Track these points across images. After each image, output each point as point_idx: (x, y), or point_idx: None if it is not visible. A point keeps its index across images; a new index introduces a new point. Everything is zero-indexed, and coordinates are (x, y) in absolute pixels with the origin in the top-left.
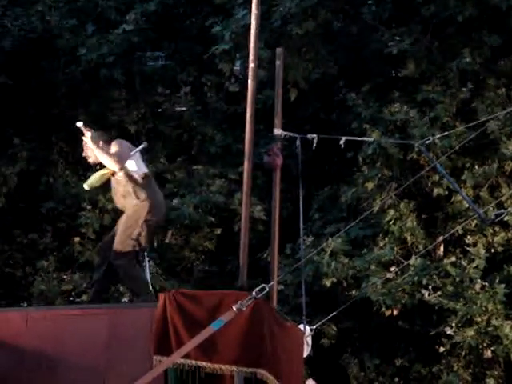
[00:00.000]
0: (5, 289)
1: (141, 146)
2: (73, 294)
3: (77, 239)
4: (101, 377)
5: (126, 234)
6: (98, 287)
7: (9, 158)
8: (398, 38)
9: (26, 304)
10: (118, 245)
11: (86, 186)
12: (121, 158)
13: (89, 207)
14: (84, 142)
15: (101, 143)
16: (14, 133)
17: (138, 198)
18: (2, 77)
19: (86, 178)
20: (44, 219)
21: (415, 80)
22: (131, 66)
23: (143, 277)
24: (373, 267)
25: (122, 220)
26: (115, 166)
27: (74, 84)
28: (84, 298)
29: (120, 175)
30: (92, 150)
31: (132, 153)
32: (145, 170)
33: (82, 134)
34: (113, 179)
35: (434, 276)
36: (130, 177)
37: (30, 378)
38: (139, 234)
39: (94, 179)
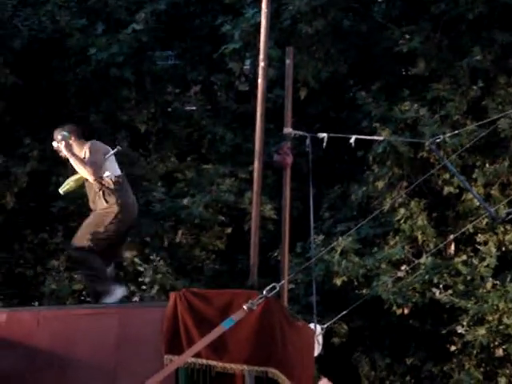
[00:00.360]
0: (16, 288)
1: (114, 150)
2: (83, 293)
3: None
4: (112, 376)
5: (87, 230)
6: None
7: (19, 157)
8: (407, 36)
9: (37, 303)
10: (76, 238)
11: (61, 191)
12: (95, 167)
13: None
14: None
15: (73, 138)
16: (25, 133)
17: (106, 202)
18: (12, 77)
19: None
20: (54, 219)
21: (425, 78)
22: (141, 66)
23: (103, 271)
24: (383, 266)
25: (88, 218)
26: (89, 177)
27: (84, 84)
28: None
29: (90, 180)
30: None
31: (106, 157)
32: (117, 172)
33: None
34: (87, 183)
35: (445, 275)
36: (100, 183)
37: (42, 377)
38: (102, 236)
39: (68, 185)
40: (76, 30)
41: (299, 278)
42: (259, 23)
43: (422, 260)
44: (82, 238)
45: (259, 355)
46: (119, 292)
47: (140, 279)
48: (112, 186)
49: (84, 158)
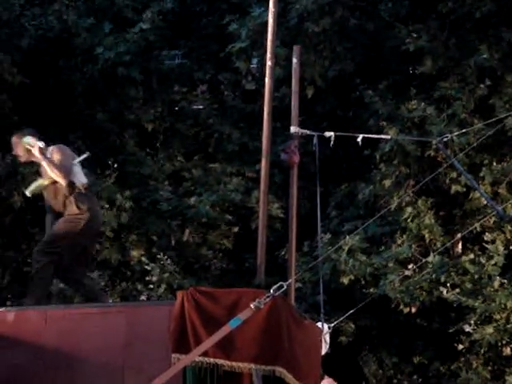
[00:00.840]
0: (24, 287)
1: (83, 156)
2: None
3: None
4: (119, 375)
5: (58, 236)
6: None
7: None
8: (415, 35)
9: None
10: (45, 243)
11: (27, 193)
12: (67, 171)
13: (106, 206)
14: (16, 144)
15: (41, 144)
16: (33, 132)
17: (79, 209)
18: (19, 76)
19: (104, 177)
20: None
21: (432, 77)
22: (148, 65)
23: (50, 283)
24: (391, 265)
25: (59, 223)
26: (62, 180)
27: (91, 83)
28: None
29: (62, 184)
30: (23, 149)
31: (74, 162)
32: (85, 180)
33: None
34: (52, 186)
35: (453, 273)
36: (72, 188)
37: (49, 376)
38: (72, 242)
39: (35, 187)
40: (83, 29)
41: (306, 277)
42: (266, 22)
43: (430, 259)
44: (50, 242)
45: (266, 354)
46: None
47: (147, 278)
48: (84, 192)
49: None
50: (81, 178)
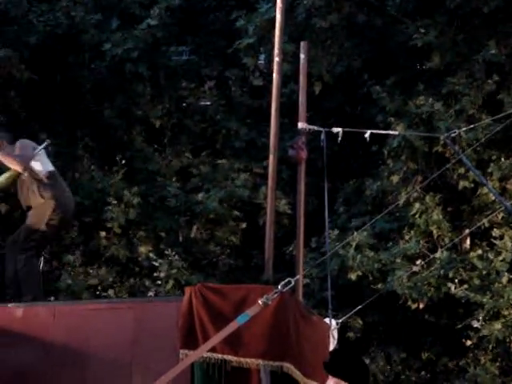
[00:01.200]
0: None
1: (44, 144)
2: (99, 288)
3: (102, 234)
4: (127, 370)
5: (30, 230)
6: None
7: None
8: (422, 31)
9: (53, 298)
10: (21, 241)
11: None
12: (23, 159)
13: (114, 202)
14: None
15: (5, 144)
16: (40, 128)
17: (42, 197)
18: (28, 72)
19: (112, 173)
20: None
21: (440, 72)
22: (156, 61)
23: (38, 275)
24: (398, 260)
25: (28, 218)
26: (18, 167)
27: (99, 79)
28: (110, 292)
29: (25, 175)
30: None
31: (35, 151)
32: (50, 168)
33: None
34: (19, 180)
35: (461, 269)
36: (33, 176)
37: (58, 371)
38: (43, 232)
39: (0, 181)
40: (91, 26)
41: (314, 273)
42: (273, 18)
43: (438, 254)
44: (25, 239)
45: (274, 350)
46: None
47: (155, 274)
48: (46, 181)
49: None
50: (43, 167)
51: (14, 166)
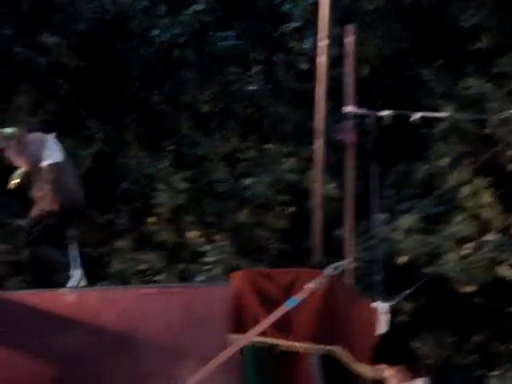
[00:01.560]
0: (83, 269)
1: (50, 136)
2: (148, 273)
3: (151, 219)
4: (177, 355)
5: (32, 222)
6: None
7: (85, 140)
8: (470, 12)
9: (103, 284)
10: (25, 233)
11: (11, 185)
12: (27, 157)
13: (162, 187)
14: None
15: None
16: (90, 115)
17: (42, 190)
18: (75, 60)
19: (159, 159)
20: (119, 200)
21: (490, 53)
22: (203, 46)
23: (46, 266)
24: (448, 244)
25: (32, 211)
26: (23, 166)
27: (147, 65)
28: (159, 277)
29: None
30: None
31: (43, 145)
32: (54, 160)
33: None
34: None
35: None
36: (38, 172)
37: (108, 356)
38: (45, 224)
39: (15, 178)
40: (138, 12)
41: (363, 257)
42: (319, 1)
43: (488, 237)
44: (29, 229)
45: (324, 334)
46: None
47: (204, 259)
48: (47, 174)
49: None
50: (47, 160)
51: (20, 164)
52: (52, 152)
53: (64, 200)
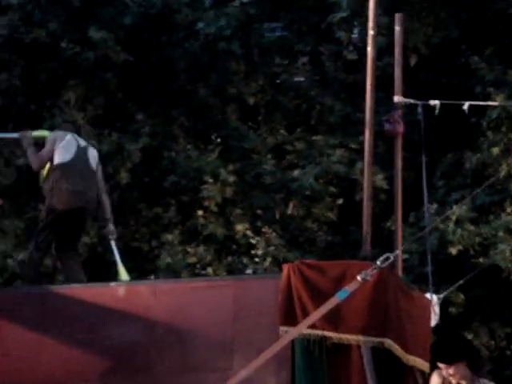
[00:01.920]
0: (133, 262)
1: (69, 135)
2: (198, 266)
3: (200, 212)
4: (228, 348)
5: (42, 221)
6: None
7: (132, 133)
8: None
9: (153, 277)
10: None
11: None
12: (36, 159)
13: (210, 180)
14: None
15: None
16: (137, 109)
17: (44, 190)
18: (123, 54)
19: (207, 152)
20: (167, 193)
21: None
22: (249, 38)
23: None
24: (500, 234)
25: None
26: (33, 167)
27: (193, 58)
28: (209, 270)
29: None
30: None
31: (57, 145)
32: (63, 159)
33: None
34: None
35: None
36: (46, 169)
37: (159, 349)
38: (52, 225)
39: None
40: (184, 5)
41: (413, 248)
42: None
43: None
44: (38, 232)
45: (375, 326)
46: None
47: (253, 252)
48: (51, 173)
49: None
50: (60, 159)
51: (32, 166)
52: (62, 152)
53: (69, 199)
